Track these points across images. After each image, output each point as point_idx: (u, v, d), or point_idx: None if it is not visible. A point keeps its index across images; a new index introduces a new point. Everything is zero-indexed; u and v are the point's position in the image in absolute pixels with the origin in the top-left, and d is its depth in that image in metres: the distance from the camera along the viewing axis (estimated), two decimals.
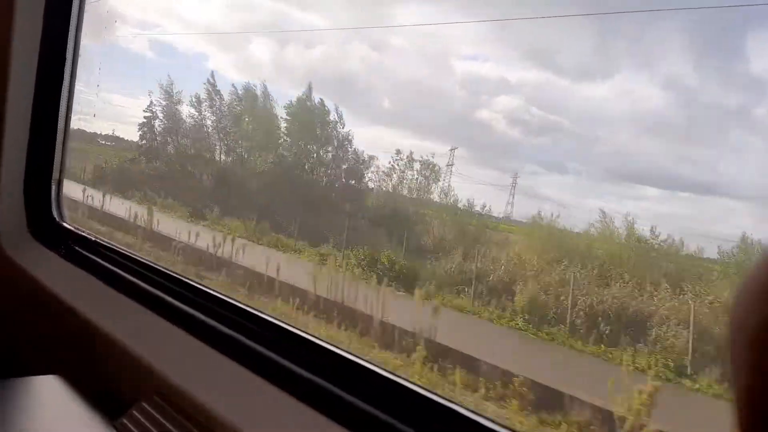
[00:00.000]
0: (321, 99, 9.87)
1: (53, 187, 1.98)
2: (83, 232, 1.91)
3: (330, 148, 9.99)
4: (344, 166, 9.87)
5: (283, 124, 10.18)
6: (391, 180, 9.47)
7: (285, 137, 10.22)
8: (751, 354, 0.27)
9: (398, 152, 9.27)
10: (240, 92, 10.47)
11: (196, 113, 10.64)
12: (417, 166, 9.24)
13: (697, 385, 4.70)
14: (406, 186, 9.43)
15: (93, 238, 1.86)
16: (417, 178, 9.35)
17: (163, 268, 1.59)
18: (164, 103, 10.88)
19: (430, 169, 9.20)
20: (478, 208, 8.66)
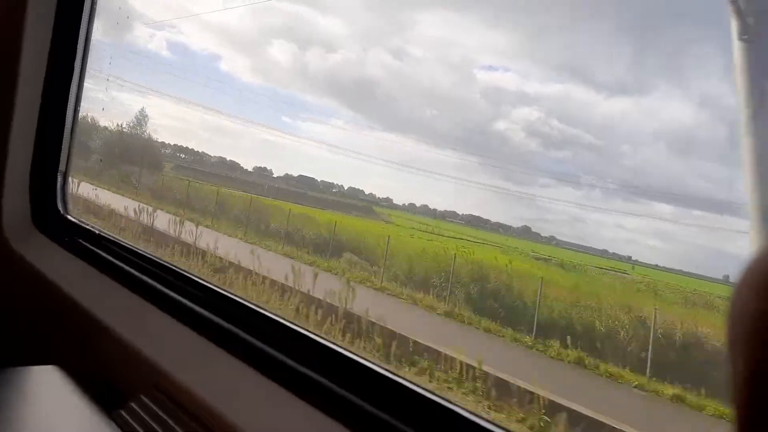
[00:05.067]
0: None
1: (59, 180, 1.99)
2: (87, 225, 1.92)
3: None
4: None
5: None
6: None
7: None
8: (749, 346, 0.27)
9: None
10: None
11: None
12: None
13: None
14: None
15: (97, 232, 1.86)
16: None
17: (165, 262, 1.59)
18: None
19: None
20: None
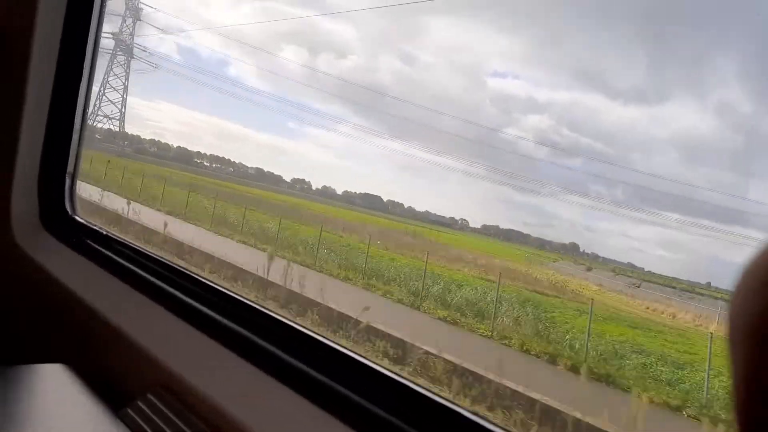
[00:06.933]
0: None
1: (67, 181, 2.01)
2: (94, 225, 1.94)
3: None
4: None
5: None
6: None
7: None
8: (749, 345, 0.28)
9: None
10: None
11: None
12: None
13: None
14: None
15: (104, 232, 1.88)
16: None
17: (171, 263, 1.61)
18: None
19: None
20: None
